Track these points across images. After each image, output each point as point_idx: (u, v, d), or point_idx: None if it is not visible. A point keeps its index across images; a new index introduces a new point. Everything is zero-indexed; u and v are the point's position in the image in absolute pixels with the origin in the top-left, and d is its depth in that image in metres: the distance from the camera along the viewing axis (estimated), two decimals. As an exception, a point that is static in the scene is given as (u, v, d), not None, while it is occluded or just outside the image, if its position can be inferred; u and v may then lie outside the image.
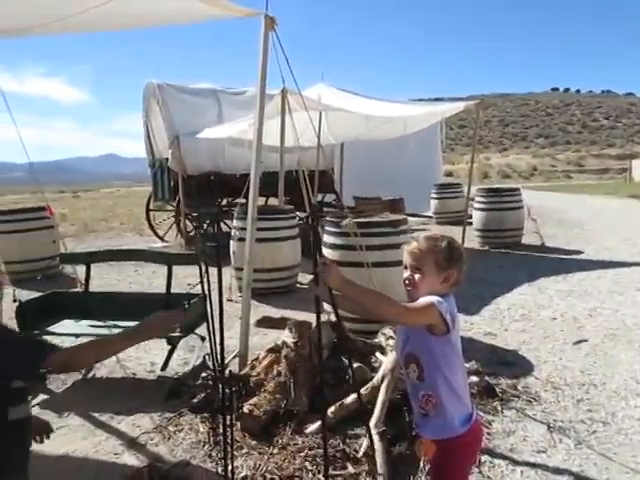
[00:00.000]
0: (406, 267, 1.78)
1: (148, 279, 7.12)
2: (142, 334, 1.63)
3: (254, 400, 2.92)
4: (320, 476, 2.43)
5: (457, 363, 1.74)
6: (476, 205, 9.14)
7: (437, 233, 1.85)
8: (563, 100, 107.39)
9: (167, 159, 9.48)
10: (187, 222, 9.74)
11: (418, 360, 1.72)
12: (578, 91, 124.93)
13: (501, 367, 3.69)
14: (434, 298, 1.67)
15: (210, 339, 2.14)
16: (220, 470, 2.38)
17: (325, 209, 9.95)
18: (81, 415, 3.24)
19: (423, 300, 1.68)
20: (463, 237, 8.50)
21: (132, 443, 2.89)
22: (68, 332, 3.75)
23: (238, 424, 2.78)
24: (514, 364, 3.78)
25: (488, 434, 2.82)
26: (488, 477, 2.49)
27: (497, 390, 3.27)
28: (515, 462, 2.60)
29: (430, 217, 12.27)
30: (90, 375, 3.91)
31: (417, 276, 1.74)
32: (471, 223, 9.05)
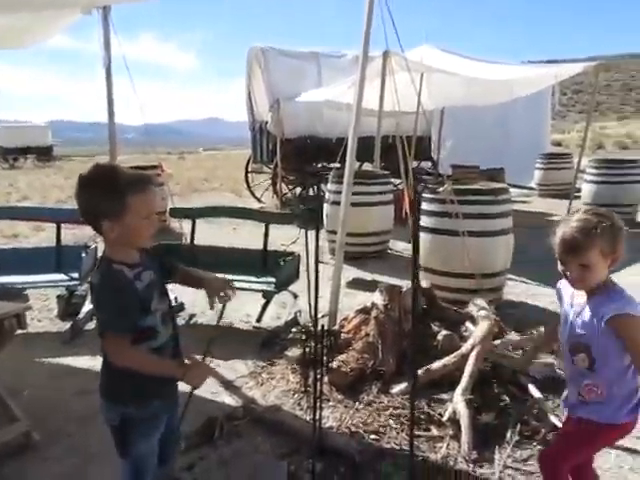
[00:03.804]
0: (562, 262, 1.66)
1: (245, 237, 7.47)
2: (183, 376, 1.62)
3: (343, 357, 3.02)
4: (404, 434, 2.49)
5: (627, 356, 1.65)
6: (587, 177, 8.47)
7: (588, 211, 1.66)
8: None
9: (267, 122, 9.73)
10: (283, 184, 10.01)
11: (589, 350, 1.65)
12: None
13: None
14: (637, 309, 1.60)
15: (309, 295, 2.23)
16: (308, 418, 2.51)
17: (421, 176, 9.74)
18: (184, 356, 3.54)
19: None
20: (569, 211, 7.96)
21: (229, 385, 3.14)
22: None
23: (327, 378, 2.90)
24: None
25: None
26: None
27: (596, 371, 3.11)
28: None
29: (532, 189, 11.57)
30: (192, 321, 4.24)
31: (583, 273, 1.62)
32: (579, 197, 8.43)
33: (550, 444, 1.84)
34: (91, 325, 4.00)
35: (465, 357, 2.88)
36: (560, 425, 2.55)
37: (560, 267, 1.68)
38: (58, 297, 4.45)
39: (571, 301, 1.75)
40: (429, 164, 11.34)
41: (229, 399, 2.99)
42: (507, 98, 8.49)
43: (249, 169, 11.38)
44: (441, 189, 4.26)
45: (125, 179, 1.58)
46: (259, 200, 10.85)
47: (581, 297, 1.71)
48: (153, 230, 1.65)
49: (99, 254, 1.77)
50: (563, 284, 1.81)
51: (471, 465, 2.33)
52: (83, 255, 4.22)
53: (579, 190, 8.50)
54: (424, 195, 4.48)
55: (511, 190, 5.36)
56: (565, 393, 1.84)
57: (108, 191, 1.55)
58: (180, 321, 4.15)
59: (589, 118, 8.44)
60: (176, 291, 4.22)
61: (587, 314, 1.67)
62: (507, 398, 2.74)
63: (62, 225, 4.65)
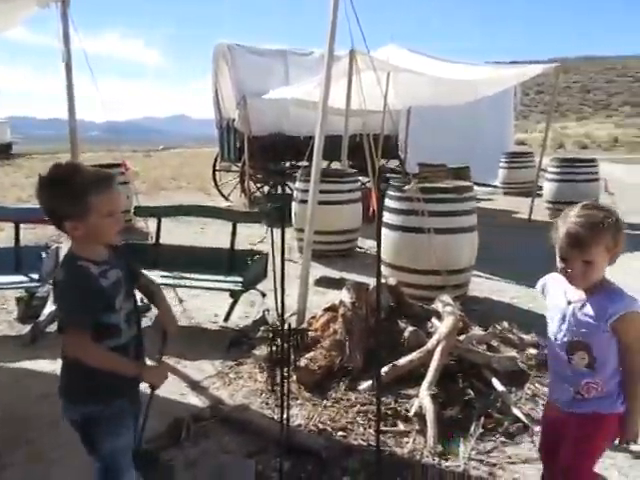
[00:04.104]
0: (563, 258, 1.60)
1: (213, 236, 7.40)
2: (142, 373, 1.64)
3: (310, 355, 3.03)
4: (371, 430, 2.52)
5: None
6: (548, 176, 8.73)
7: (590, 206, 1.64)
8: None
9: (234, 120, 9.65)
10: (251, 183, 9.95)
11: (589, 348, 1.63)
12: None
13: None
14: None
15: (275, 294, 2.23)
16: (276, 417, 2.51)
17: (387, 175, 9.83)
18: (150, 358, 3.49)
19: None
20: (531, 209, 8.19)
21: (196, 386, 3.11)
22: (140, 280, 4.02)
23: (294, 376, 2.90)
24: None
25: (543, 405, 2.79)
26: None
27: (556, 364, 3.21)
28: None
29: (497, 187, 11.84)
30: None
31: (585, 269, 1.56)
32: (541, 195, 8.68)
33: (561, 457, 1.74)
34: (53, 327, 3.89)
35: (431, 352, 2.93)
36: (522, 416, 2.63)
37: (560, 263, 1.62)
38: (17, 299, 4.31)
39: (567, 298, 1.68)
40: (396, 162, 11.47)
41: (196, 400, 2.96)
42: (472, 98, 8.65)
43: (217, 167, 11.27)
44: (407, 187, 4.32)
45: (86, 178, 1.56)
46: (227, 199, 10.75)
47: (577, 294, 1.66)
48: (119, 227, 1.65)
49: (61, 255, 1.75)
50: (551, 279, 1.77)
51: (437, 458, 2.38)
52: (44, 256, 4.10)
53: (541, 188, 8.74)
54: (391, 193, 4.53)
55: (476, 188, 5.49)
56: (548, 391, 1.83)
57: (69, 192, 1.53)
58: (147, 321, 4.08)
59: (549, 118, 8.71)
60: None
61: (589, 312, 1.62)
62: (471, 392, 2.80)
63: (22, 225, 4.50)
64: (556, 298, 1.73)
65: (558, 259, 1.62)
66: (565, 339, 1.67)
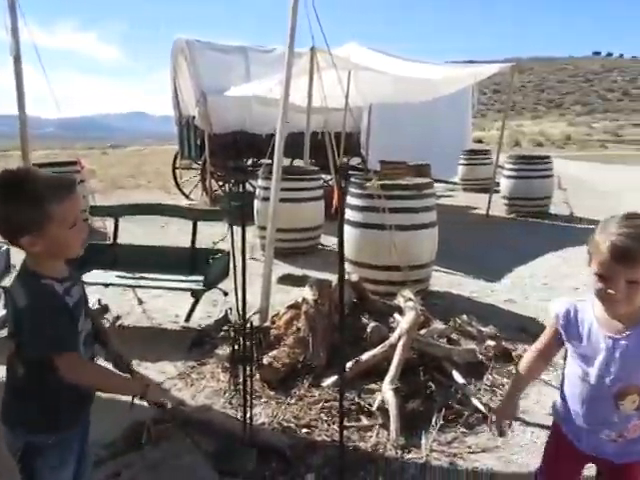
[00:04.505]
0: (604, 276, 1.35)
1: (174, 235, 7.27)
2: (147, 391, 1.53)
3: (274, 353, 3.02)
4: (335, 426, 2.53)
5: None
6: (505, 172, 8.98)
7: (637, 215, 1.40)
8: (604, 65, 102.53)
9: (194, 117, 9.50)
10: (212, 181, 9.82)
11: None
12: (621, 56, 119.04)
13: (519, 333, 3.70)
14: None
15: (236, 292, 2.21)
16: (240, 416, 2.49)
17: (350, 172, 9.89)
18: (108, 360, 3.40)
19: None
20: (489, 205, 8.41)
21: (157, 388, 3.04)
22: (97, 281, 3.90)
23: (258, 375, 2.89)
24: (532, 331, 3.79)
25: (502, 396, 2.88)
26: (499, 436, 2.56)
27: (513, 354, 3.31)
28: (527, 423, 2.65)
29: (457, 183, 12.10)
30: (117, 324, 4.07)
31: (630, 291, 1.33)
32: (498, 191, 8.92)
33: None
34: (3, 332, 3.73)
35: (393, 347, 2.96)
36: (481, 407, 2.70)
37: (598, 283, 1.37)
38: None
39: (604, 332, 1.42)
40: (358, 159, 11.55)
41: (157, 402, 2.90)
42: (431, 96, 8.81)
43: (177, 165, 11.07)
44: (368, 184, 4.36)
45: (43, 185, 1.37)
46: (188, 197, 10.58)
47: (615, 326, 1.41)
48: (84, 236, 1.47)
49: (12, 258, 1.62)
50: (578, 310, 1.50)
51: (399, 451, 2.41)
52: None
53: (498, 184, 8.98)
54: (353, 190, 4.56)
55: (436, 185, 5.58)
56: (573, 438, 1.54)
57: (24, 201, 1.34)
58: (105, 323, 3.98)
59: (505, 117, 8.95)
60: (99, 293, 4.08)
61: (635, 348, 1.38)
62: (433, 385, 2.85)
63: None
64: (590, 334, 1.45)
65: (595, 278, 1.37)
66: (613, 384, 1.41)
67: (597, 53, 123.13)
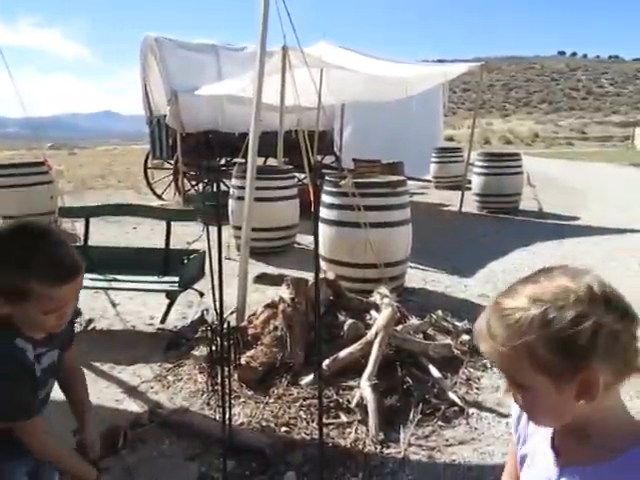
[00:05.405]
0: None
1: (146, 236, 7.16)
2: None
3: (251, 352, 3.00)
4: (314, 424, 2.53)
5: None
6: (475, 170, 9.13)
7: (523, 286, 0.87)
8: (569, 65, 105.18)
9: (165, 116, 9.37)
10: (185, 181, 9.71)
11: None
12: (585, 56, 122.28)
13: (492, 327, 3.78)
14: None
15: (213, 293, 2.19)
16: (218, 417, 2.47)
17: (324, 170, 9.91)
18: (83, 365, 3.32)
19: None
20: (461, 202, 8.55)
21: (133, 391, 2.99)
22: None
23: (236, 375, 2.87)
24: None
25: (477, 389, 2.93)
26: (475, 428, 2.61)
27: (487, 348, 3.37)
28: (501, 415, 2.71)
29: (429, 181, 12.25)
30: (90, 327, 3.99)
31: (522, 396, 0.86)
32: (470, 188, 9.07)
33: None
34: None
35: (370, 344, 2.99)
36: (457, 400, 2.75)
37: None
38: None
39: (555, 459, 0.89)
40: (332, 158, 11.58)
41: (133, 405, 2.85)
42: (403, 95, 8.87)
43: (148, 165, 10.89)
44: (343, 183, 4.37)
45: (45, 257, 1.23)
46: (160, 197, 10.43)
47: (571, 454, 0.87)
48: (59, 324, 1.34)
49: None
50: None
51: (378, 447, 2.44)
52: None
53: (470, 181, 9.13)
54: (327, 189, 4.57)
55: (409, 183, 5.64)
56: None
57: (14, 262, 1.21)
58: (77, 327, 3.89)
59: (475, 115, 9.11)
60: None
61: None
62: (410, 380, 2.88)
63: None
64: (538, 457, 0.94)
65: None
66: None
67: (562, 53, 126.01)
